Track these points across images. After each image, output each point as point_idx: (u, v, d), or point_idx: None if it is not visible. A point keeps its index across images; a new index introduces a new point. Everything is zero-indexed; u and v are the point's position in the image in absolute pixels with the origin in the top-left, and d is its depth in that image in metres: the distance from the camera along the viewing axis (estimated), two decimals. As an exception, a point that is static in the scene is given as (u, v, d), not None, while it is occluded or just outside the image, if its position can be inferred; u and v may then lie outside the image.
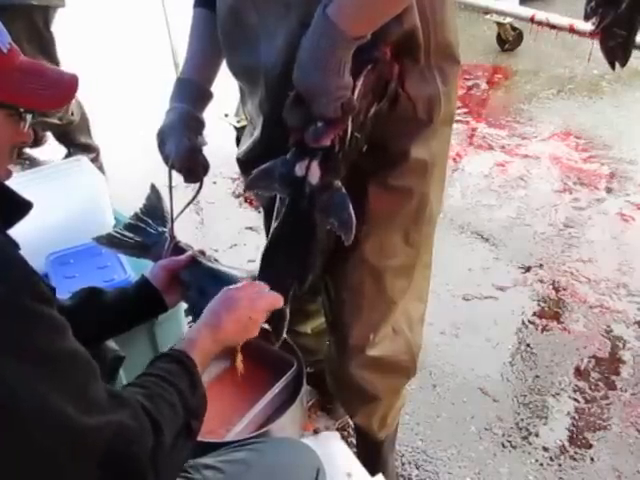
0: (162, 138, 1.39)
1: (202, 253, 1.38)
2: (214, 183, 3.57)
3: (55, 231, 1.97)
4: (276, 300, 1.19)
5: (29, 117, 0.95)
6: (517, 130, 3.99)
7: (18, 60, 0.94)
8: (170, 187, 1.42)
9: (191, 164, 1.39)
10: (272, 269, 1.28)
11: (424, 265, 1.55)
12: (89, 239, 1.55)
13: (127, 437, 0.82)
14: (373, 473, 1.63)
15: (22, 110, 0.93)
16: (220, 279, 1.31)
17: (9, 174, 0.96)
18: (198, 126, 1.41)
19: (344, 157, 1.19)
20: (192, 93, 1.42)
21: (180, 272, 1.33)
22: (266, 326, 1.23)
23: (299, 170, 1.18)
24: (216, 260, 1.41)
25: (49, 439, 0.76)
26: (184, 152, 1.36)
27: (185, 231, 3.11)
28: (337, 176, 1.20)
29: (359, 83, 1.11)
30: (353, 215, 1.17)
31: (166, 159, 1.38)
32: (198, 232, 3.31)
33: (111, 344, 1.40)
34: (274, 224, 1.26)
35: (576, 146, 3.78)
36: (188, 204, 1.45)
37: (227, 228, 3.28)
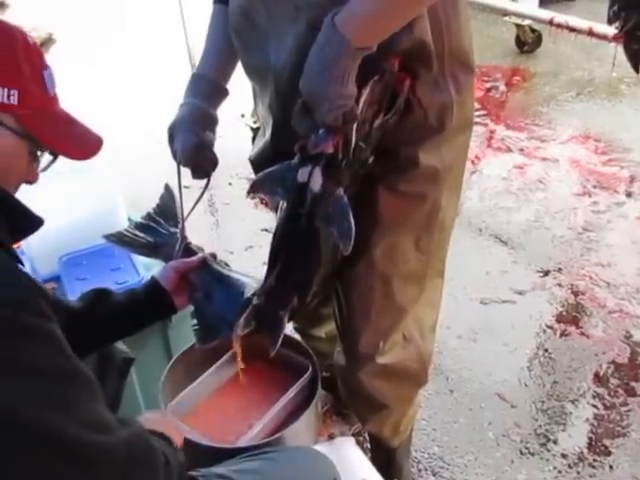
0: (171, 133, 1.39)
1: (213, 257, 1.37)
2: (229, 184, 3.57)
3: (68, 233, 1.96)
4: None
5: (45, 160, 1.01)
6: (536, 133, 3.95)
7: (57, 107, 1.01)
8: (179, 184, 1.41)
9: (198, 160, 1.38)
10: (275, 277, 1.26)
11: (436, 273, 1.53)
12: (102, 240, 1.55)
13: (141, 452, 0.83)
14: (389, 479, 1.62)
15: (42, 151, 0.99)
16: (228, 284, 1.31)
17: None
18: (208, 122, 1.40)
19: (348, 166, 1.18)
20: (206, 89, 1.41)
21: (190, 274, 1.32)
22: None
23: (301, 176, 1.17)
24: (227, 265, 1.40)
25: (56, 459, 0.75)
26: (191, 148, 1.35)
27: (200, 232, 3.11)
28: (339, 184, 1.19)
29: (365, 93, 1.11)
30: (353, 225, 1.16)
31: (174, 154, 1.38)
32: (213, 233, 3.31)
33: (121, 345, 1.39)
34: (275, 230, 1.25)
35: (595, 149, 3.74)
36: (197, 201, 1.44)
37: (242, 229, 3.27)
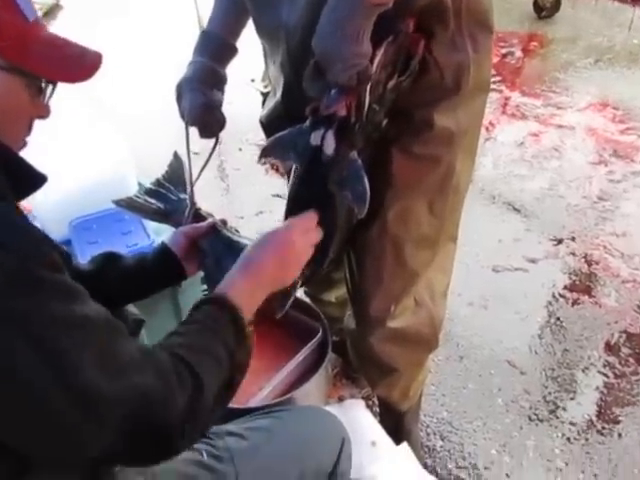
0: (179, 92, 1.37)
1: (224, 223, 1.36)
2: (240, 150, 3.55)
3: (78, 197, 1.97)
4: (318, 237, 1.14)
5: (49, 90, 0.94)
6: (552, 100, 3.90)
7: (42, 32, 0.93)
8: (187, 145, 1.39)
9: (206, 119, 1.36)
10: None
11: (449, 237, 1.52)
12: (112, 205, 1.54)
13: (151, 401, 0.80)
14: (397, 442, 1.62)
15: (42, 82, 0.93)
16: (238, 250, 1.30)
17: (24, 145, 0.95)
18: (217, 81, 1.38)
19: (361, 129, 1.16)
20: (215, 47, 1.39)
21: (200, 240, 1.31)
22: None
23: (314, 139, 1.16)
24: (237, 231, 1.39)
25: (66, 403, 0.74)
26: (198, 107, 1.34)
27: (210, 198, 3.11)
28: (353, 148, 1.17)
29: (379, 53, 1.08)
30: (368, 188, 1.14)
31: (182, 114, 1.37)
32: (224, 199, 3.30)
33: (131, 308, 1.39)
34: (288, 194, 1.24)
35: (613, 117, 3.68)
36: (205, 163, 1.42)
37: (253, 195, 3.25)
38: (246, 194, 3.29)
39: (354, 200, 1.16)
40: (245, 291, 1.00)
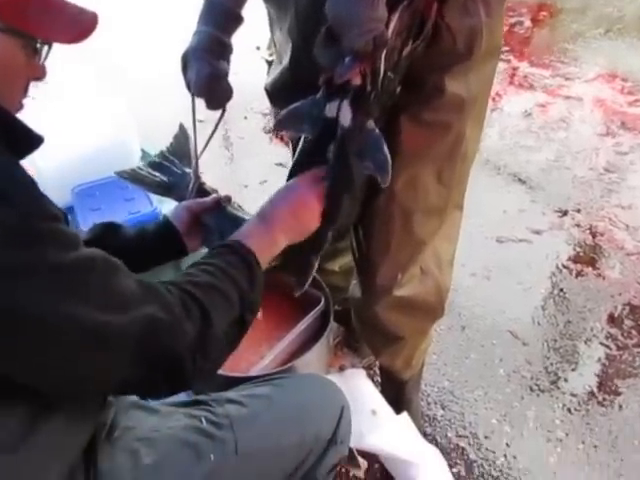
0: (185, 63, 1.35)
1: (228, 199, 1.35)
2: (245, 118, 3.53)
3: (81, 164, 1.96)
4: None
5: (44, 51, 0.93)
6: (560, 70, 3.86)
7: None
8: (194, 117, 1.37)
9: (213, 90, 1.34)
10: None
11: (456, 206, 1.51)
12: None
13: (157, 330, 0.84)
14: (398, 412, 1.63)
15: (38, 42, 0.91)
16: None
17: (21, 107, 0.95)
18: (223, 51, 1.36)
19: (377, 98, 1.13)
20: (220, 15, 1.37)
21: (203, 215, 1.30)
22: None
23: (329, 111, 1.14)
24: (240, 207, 1.38)
25: (77, 344, 0.78)
26: (205, 78, 1.31)
27: (215, 167, 3.11)
28: (369, 117, 1.15)
29: (394, 18, 1.05)
30: (389, 156, 1.13)
31: (188, 85, 1.34)
32: (227, 168, 3.29)
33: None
34: (293, 164, 1.23)
35: (622, 89, 3.64)
36: (211, 135, 1.41)
37: (257, 164, 3.24)
38: (250, 163, 3.28)
39: (376, 170, 1.14)
40: (259, 237, 1.06)
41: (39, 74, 0.95)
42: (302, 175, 1.17)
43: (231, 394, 1.15)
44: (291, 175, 1.24)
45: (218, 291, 0.94)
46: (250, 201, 2.97)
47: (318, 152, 1.19)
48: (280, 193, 1.14)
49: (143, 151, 2.10)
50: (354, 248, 1.55)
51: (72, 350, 0.78)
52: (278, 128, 1.23)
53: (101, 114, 2.09)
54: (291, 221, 1.11)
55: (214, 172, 3.09)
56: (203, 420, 1.07)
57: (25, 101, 0.96)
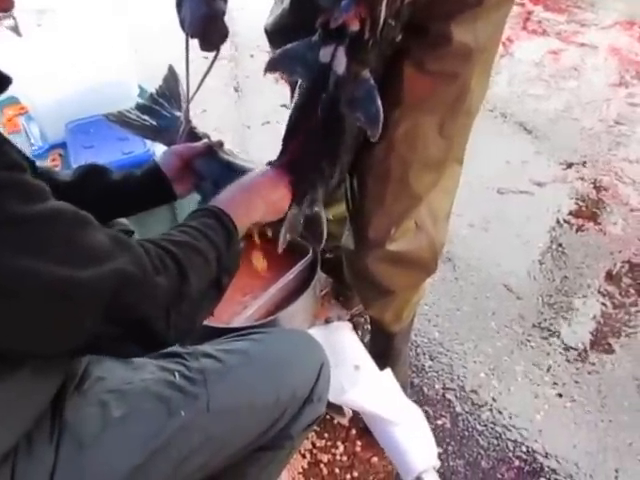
0: (179, 1, 1.29)
1: (220, 144, 1.30)
2: (251, 56, 3.44)
3: (77, 100, 1.91)
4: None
5: None
6: (577, 16, 3.73)
7: None
8: (187, 58, 1.32)
9: (207, 31, 1.28)
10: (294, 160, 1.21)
11: (455, 160, 1.46)
12: (112, 108, 1.49)
13: (127, 284, 0.82)
14: (386, 362, 1.62)
15: None
16: (237, 173, 1.24)
17: None
18: None
19: (375, 46, 1.08)
20: None
21: (194, 161, 1.26)
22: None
23: (324, 56, 1.08)
24: (232, 152, 1.33)
25: (41, 301, 0.76)
26: (200, 17, 1.25)
27: (219, 106, 3.04)
28: (365, 66, 1.10)
29: None
30: (381, 110, 1.08)
31: (181, 24, 1.29)
32: (231, 107, 3.22)
33: (120, 219, 1.36)
34: (291, 109, 1.18)
35: (639, 37, 3.53)
36: (203, 79, 1.35)
37: (261, 104, 3.17)
38: (254, 103, 3.21)
39: (366, 122, 1.10)
40: (238, 203, 1.06)
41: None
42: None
43: (208, 348, 1.13)
44: (289, 131, 1.20)
45: (196, 250, 0.93)
46: (252, 143, 2.93)
47: (312, 106, 1.14)
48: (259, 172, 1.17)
49: (141, 88, 2.04)
50: (348, 198, 1.52)
51: (33, 305, 0.76)
52: (270, 69, 1.17)
53: (100, 49, 2.02)
54: (269, 189, 1.14)
55: (217, 111, 3.05)
56: (176, 374, 1.06)
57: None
